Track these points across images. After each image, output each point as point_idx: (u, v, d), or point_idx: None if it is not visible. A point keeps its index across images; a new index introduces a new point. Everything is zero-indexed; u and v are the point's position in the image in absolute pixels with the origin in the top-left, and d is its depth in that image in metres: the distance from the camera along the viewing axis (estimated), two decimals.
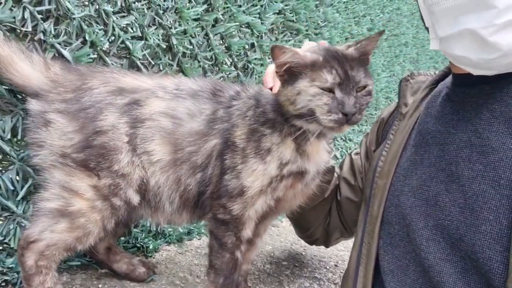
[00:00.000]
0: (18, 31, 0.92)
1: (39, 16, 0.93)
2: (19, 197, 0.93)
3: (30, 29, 0.92)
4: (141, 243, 1.16)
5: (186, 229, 1.32)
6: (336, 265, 1.44)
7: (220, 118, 0.88)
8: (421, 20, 0.79)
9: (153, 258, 1.17)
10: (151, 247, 1.17)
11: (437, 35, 0.72)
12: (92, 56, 1.02)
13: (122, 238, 1.12)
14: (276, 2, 1.61)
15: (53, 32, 0.96)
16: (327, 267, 1.41)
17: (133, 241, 1.15)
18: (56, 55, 0.98)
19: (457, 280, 0.69)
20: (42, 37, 0.94)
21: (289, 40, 1.74)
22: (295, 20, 1.74)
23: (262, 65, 1.59)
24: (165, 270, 1.12)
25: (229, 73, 1.47)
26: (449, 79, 0.83)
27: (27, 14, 0.91)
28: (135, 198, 0.85)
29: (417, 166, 0.81)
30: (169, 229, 1.26)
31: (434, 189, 0.76)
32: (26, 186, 0.94)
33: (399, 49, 2.91)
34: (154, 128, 0.86)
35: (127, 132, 0.84)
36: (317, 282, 1.28)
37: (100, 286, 0.99)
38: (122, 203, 0.83)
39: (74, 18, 0.98)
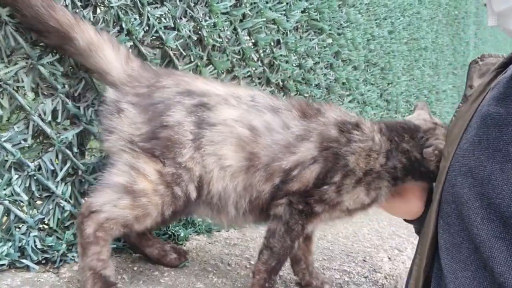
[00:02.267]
0: None
1: (79, 4, 0.96)
2: (58, 178, 0.95)
3: None
4: (172, 231, 1.17)
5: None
6: (364, 260, 1.43)
7: (330, 138, 0.94)
8: None
9: (184, 246, 1.18)
10: (182, 235, 1.17)
11: (493, 10, 0.73)
12: (128, 44, 1.04)
13: None
14: (300, 0, 1.64)
15: (92, 19, 0.99)
16: (356, 261, 1.39)
17: (165, 229, 1.16)
18: None
19: (509, 256, 0.69)
20: None
21: (313, 39, 1.76)
22: (318, 19, 1.76)
23: (287, 62, 1.61)
24: (197, 258, 1.12)
25: (256, 69, 1.49)
26: None
27: (68, 1, 0.94)
28: (193, 193, 0.88)
29: (475, 147, 0.81)
30: (199, 219, 1.26)
31: (489, 169, 0.76)
32: (65, 168, 0.96)
33: (418, 53, 2.90)
34: (227, 134, 0.89)
35: (192, 131, 0.88)
36: (347, 275, 1.27)
37: (135, 268, 0.99)
38: (182, 194, 0.87)
39: (112, 7, 1.01)
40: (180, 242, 1.18)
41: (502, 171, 0.73)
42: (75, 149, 0.98)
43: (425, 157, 0.96)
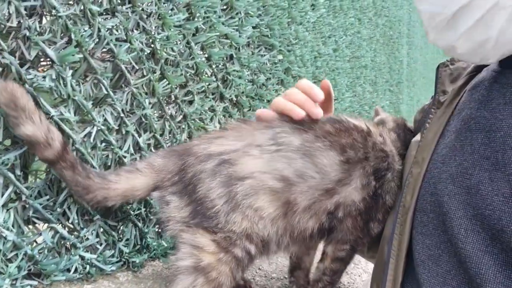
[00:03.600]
0: (2, 26, 0.86)
1: (24, 12, 0.88)
2: None
3: (14, 25, 0.87)
4: (126, 258, 1.08)
5: (171, 243, 1.26)
6: None
7: (369, 185, 0.94)
8: None
9: (140, 273, 1.09)
10: (137, 261, 1.09)
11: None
12: (77, 56, 0.97)
13: (108, 252, 1.04)
14: (252, 16, 1.63)
15: (38, 30, 0.91)
16: None
17: (118, 255, 1.07)
18: (40, 53, 0.92)
19: (497, 272, 0.65)
20: (27, 34, 0.88)
21: (265, 55, 1.75)
22: (269, 36, 1.76)
23: (240, 77, 1.59)
24: (154, 286, 1.05)
25: (210, 84, 1.45)
26: (494, 64, 0.80)
27: (12, 9, 0.86)
28: (252, 248, 0.89)
29: (457, 152, 0.77)
30: (154, 244, 1.18)
31: (476, 178, 0.71)
32: (7, 193, 0.86)
33: (360, 71, 3.02)
34: (257, 186, 0.88)
35: (222, 193, 0.88)
36: None
37: None
38: (244, 253, 0.88)
39: (59, 16, 0.93)
40: (135, 269, 1.09)
41: (492, 181, 0.68)
42: (18, 172, 0.88)
43: None
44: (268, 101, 1.82)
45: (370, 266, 1.73)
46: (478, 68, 0.87)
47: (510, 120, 0.69)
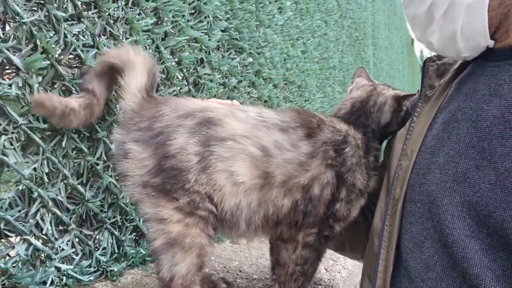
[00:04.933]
0: None
1: None
2: None
3: None
4: (104, 267, 1.06)
5: (149, 250, 1.24)
6: None
7: (331, 157, 0.97)
8: None
9: (119, 282, 1.07)
10: (115, 270, 1.07)
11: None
12: (44, 63, 0.94)
13: (84, 262, 1.01)
14: (220, 20, 1.63)
15: (1, 36, 0.88)
16: None
17: (95, 265, 1.04)
18: (5, 61, 0.89)
19: (483, 257, 0.67)
20: None
21: (235, 58, 1.76)
22: (239, 39, 1.77)
23: (211, 80, 1.58)
24: None
25: (181, 88, 1.44)
26: (481, 59, 0.82)
27: None
28: (214, 208, 0.87)
29: (444, 143, 0.79)
30: (132, 251, 1.16)
31: (463, 166, 0.73)
32: None
33: (328, 71, 3.06)
34: (238, 150, 0.88)
35: (197, 152, 0.85)
36: None
37: None
38: (207, 213, 0.86)
39: (24, 23, 0.91)
40: (114, 278, 1.07)
41: (478, 169, 0.71)
42: None
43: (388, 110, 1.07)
44: (241, 103, 1.83)
45: (349, 262, 1.75)
46: (465, 64, 0.90)
47: (495, 110, 0.72)
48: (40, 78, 0.96)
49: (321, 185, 0.96)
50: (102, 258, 1.05)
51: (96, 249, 1.06)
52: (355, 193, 1.00)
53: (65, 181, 1.01)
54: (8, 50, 0.89)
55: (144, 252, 1.21)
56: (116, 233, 1.12)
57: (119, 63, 0.96)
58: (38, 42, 0.93)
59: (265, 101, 2.05)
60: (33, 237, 0.93)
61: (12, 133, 0.91)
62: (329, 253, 1.80)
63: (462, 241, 0.69)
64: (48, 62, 0.96)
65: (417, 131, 0.88)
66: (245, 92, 1.87)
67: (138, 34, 1.22)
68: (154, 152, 0.84)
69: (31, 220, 0.93)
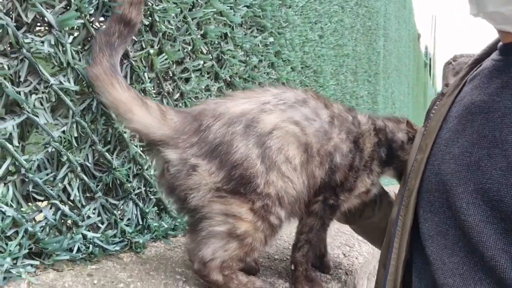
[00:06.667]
0: None
1: None
2: None
3: None
4: (129, 237, 1.02)
5: (171, 224, 1.21)
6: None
7: (349, 122, 1.05)
8: None
9: (143, 254, 1.04)
10: (140, 241, 1.03)
11: None
12: (77, 22, 0.90)
13: (110, 231, 0.98)
14: None
15: None
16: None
17: (120, 235, 1.01)
18: (38, 16, 0.85)
19: (498, 240, 0.70)
20: None
21: (257, 36, 1.72)
22: (262, 17, 1.72)
23: (234, 57, 1.54)
24: (160, 266, 1.00)
25: (205, 62, 1.40)
26: (494, 54, 0.86)
27: None
28: (283, 215, 0.92)
29: (459, 135, 0.83)
30: (155, 224, 1.13)
31: (476, 155, 0.77)
32: (4, 165, 0.79)
33: (342, 59, 3.02)
34: (283, 135, 0.92)
35: (258, 154, 0.89)
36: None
37: (95, 282, 0.84)
38: (277, 220, 0.91)
39: None
40: (138, 250, 1.04)
41: (490, 157, 0.74)
42: (16, 143, 0.81)
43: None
44: (260, 83, 1.79)
45: (364, 250, 1.73)
46: (477, 61, 0.94)
47: (507, 101, 0.75)
48: (71, 38, 0.92)
49: (342, 153, 1.02)
50: (128, 229, 1.02)
51: (121, 219, 1.02)
52: (363, 161, 1.06)
53: (93, 147, 0.97)
54: (42, 6, 0.85)
55: (166, 226, 1.18)
56: (140, 204, 1.09)
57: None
58: (72, 0, 0.89)
59: (283, 83, 2.01)
60: (61, 202, 0.89)
61: (43, 93, 0.87)
62: (345, 239, 1.79)
63: (477, 226, 0.73)
64: (82, 21, 0.92)
65: (431, 126, 0.93)
66: (265, 73, 1.84)
67: (168, 2, 1.17)
68: (221, 164, 0.87)
69: (59, 184, 0.89)
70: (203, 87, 1.41)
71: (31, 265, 0.81)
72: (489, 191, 0.72)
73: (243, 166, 0.87)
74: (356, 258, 1.57)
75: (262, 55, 1.79)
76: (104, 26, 0.95)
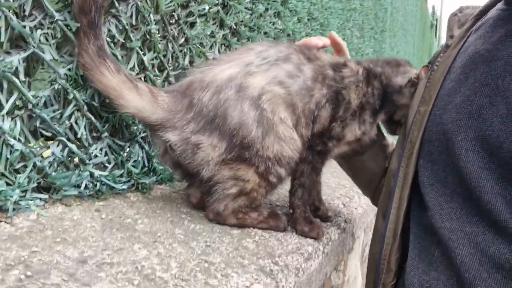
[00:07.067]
0: None
1: None
2: (3, 112, 0.77)
3: None
4: (136, 178, 1.04)
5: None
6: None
7: (330, 77, 1.03)
8: None
9: (149, 195, 1.06)
10: (147, 182, 1.05)
11: None
12: None
13: (117, 171, 1.00)
14: None
15: None
16: None
17: (127, 175, 1.03)
18: None
19: (494, 185, 0.72)
20: None
21: None
22: None
23: (240, 3, 1.51)
24: (166, 206, 1.02)
25: (211, 7, 1.37)
26: (499, 4, 0.85)
27: None
28: (283, 173, 0.98)
29: (461, 84, 0.82)
30: (160, 167, 1.14)
31: (477, 103, 0.77)
32: (11, 99, 0.79)
33: (349, 13, 2.95)
34: (272, 98, 0.94)
35: (254, 117, 0.92)
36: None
37: (103, 217, 0.86)
38: (277, 179, 0.98)
39: None
40: (144, 191, 1.06)
41: (491, 104, 0.74)
42: (22, 77, 0.81)
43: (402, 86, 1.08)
44: (265, 33, 1.76)
45: (363, 201, 1.76)
46: (482, 13, 0.93)
47: (510, 49, 0.74)
48: None
49: (322, 106, 1.02)
50: (134, 170, 1.03)
51: (128, 160, 1.04)
52: (350, 112, 1.05)
53: None
54: None
55: (171, 171, 1.19)
56: (146, 147, 1.10)
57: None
58: None
59: (288, 34, 1.98)
60: (68, 140, 0.90)
61: (48, 28, 0.85)
62: (345, 192, 1.81)
63: (475, 172, 0.74)
64: None
65: (436, 77, 0.92)
66: (271, 22, 1.80)
67: None
68: (221, 135, 0.91)
69: (66, 122, 0.89)
70: (208, 33, 1.38)
71: (40, 198, 0.83)
72: (488, 137, 0.73)
73: (242, 133, 0.91)
74: (356, 208, 1.60)
75: (268, 3, 1.75)
76: (75, 6, 0.88)
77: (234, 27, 1.55)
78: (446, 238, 0.78)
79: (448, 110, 0.83)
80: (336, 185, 1.92)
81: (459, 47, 0.91)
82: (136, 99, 0.91)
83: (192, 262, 0.76)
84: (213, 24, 1.41)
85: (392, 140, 1.23)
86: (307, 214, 1.07)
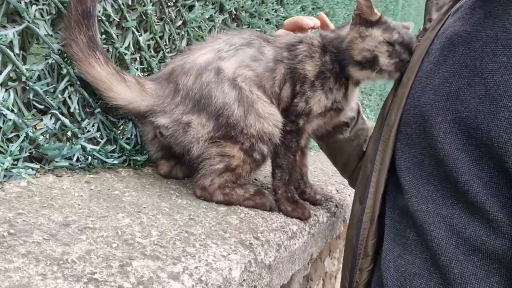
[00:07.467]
0: None
1: None
2: None
3: None
4: (128, 155, 1.07)
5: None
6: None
7: (286, 57, 1.06)
8: None
9: (141, 171, 1.09)
10: (139, 159, 1.08)
11: None
12: None
13: (109, 147, 1.03)
14: None
15: None
16: None
17: (119, 151, 1.06)
18: None
19: (472, 166, 0.72)
20: None
21: None
22: None
23: None
24: (155, 182, 1.05)
25: None
26: None
27: None
28: (265, 150, 1.02)
29: (440, 66, 0.82)
30: None
31: (456, 85, 0.77)
32: (5, 71, 0.82)
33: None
34: (245, 80, 1.00)
35: (235, 97, 0.98)
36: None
37: (92, 188, 0.90)
38: (260, 156, 1.02)
39: None
40: (136, 167, 1.09)
41: (470, 86, 0.74)
42: (17, 50, 0.84)
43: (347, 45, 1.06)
44: (267, 20, 1.77)
45: None
46: None
47: (489, 30, 0.74)
48: None
49: (283, 86, 1.06)
50: (127, 146, 1.06)
51: (121, 137, 1.07)
52: (307, 84, 1.06)
53: None
54: None
55: None
56: (140, 126, 1.13)
57: None
58: None
59: None
60: (61, 114, 0.93)
61: (43, 4, 0.89)
62: (340, 179, 1.82)
63: (452, 153, 0.74)
64: None
65: (414, 60, 0.92)
66: (273, 9, 1.81)
67: None
68: (208, 115, 0.97)
69: (59, 96, 0.93)
70: (207, 17, 1.41)
71: (32, 168, 0.87)
72: (466, 119, 0.73)
73: (226, 113, 0.97)
74: (349, 195, 1.62)
75: None
76: None
77: (235, 12, 1.57)
78: (422, 221, 0.78)
79: (426, 92, 0.83)
80: (333, 172, 1.93)
81: (437, 30, 0.91)
82: (126, 91, 0.97)
83: (173, 232, 0.79)
84: (212, 8, 1.43)
85: (371, 124, 1.23)
86: (290, 194, 1.09)
